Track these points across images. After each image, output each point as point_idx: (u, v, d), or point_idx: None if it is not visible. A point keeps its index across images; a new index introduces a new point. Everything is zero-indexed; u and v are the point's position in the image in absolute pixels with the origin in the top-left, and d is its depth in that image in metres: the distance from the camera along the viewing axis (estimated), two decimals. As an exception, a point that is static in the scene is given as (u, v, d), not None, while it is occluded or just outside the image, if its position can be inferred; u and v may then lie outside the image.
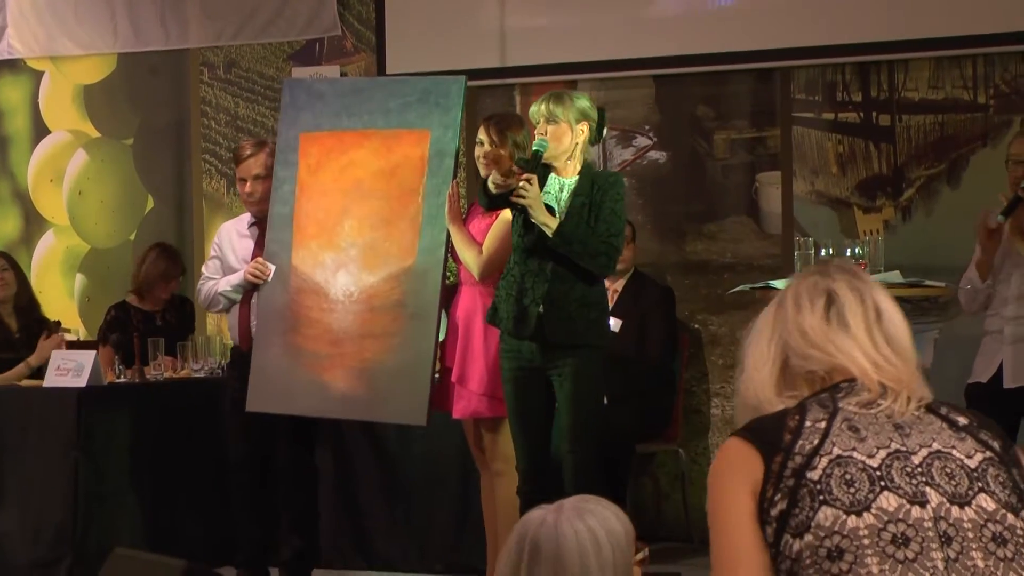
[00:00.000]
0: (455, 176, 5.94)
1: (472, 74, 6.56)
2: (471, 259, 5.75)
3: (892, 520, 2.15)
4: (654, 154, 7.71)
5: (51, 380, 6.52)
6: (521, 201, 5.35)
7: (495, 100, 7.86)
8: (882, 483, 2.18)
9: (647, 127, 7.71)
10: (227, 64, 8.56)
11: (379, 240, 6.01)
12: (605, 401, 5.76)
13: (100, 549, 5.81)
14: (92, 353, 6.63)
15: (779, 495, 2.18)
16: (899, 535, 2.15)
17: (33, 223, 8.99)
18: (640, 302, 7.09)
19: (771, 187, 7.47)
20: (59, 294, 8.83)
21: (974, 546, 2.15)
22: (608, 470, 6.20)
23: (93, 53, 8.78)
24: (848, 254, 5.72)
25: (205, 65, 8.61)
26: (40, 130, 8.98)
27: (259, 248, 6.29)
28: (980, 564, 2.14)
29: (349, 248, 6.07)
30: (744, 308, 7.41)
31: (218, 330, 8.03)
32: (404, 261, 5.94)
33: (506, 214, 5.69)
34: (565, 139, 5.47)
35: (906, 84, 7.24)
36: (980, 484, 2.20)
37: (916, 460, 2.21)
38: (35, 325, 7.30)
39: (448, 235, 5.82)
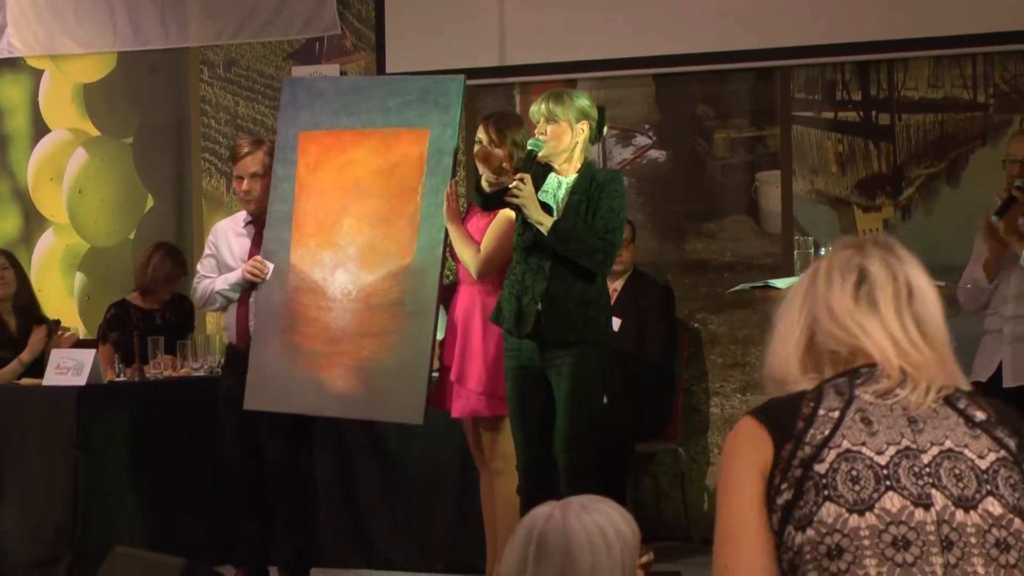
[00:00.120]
0: (454, 175, 5.94)
1: (472, 73, 6.56)
2: (469, 258, 5.76)
3: (894, 522, 2.13)
4: (654, 153, 7.71)
5: (51, 379, 6.52)
6: (515, 200, 5.36)
7: (495, 99, 7.86)
8: (888, 482, 2.15)
9: (647, 126, 7.71)
10: (227, 63, 8.56)
11: (377, 239, 6.01)
12: (605, 400, 5.77)
13: (100, 548, 5.80)
14: (92, 352, 6.64)
15: (785, 484, 2.16)
16: (900, 538, 2.12)
17: (33, 221, 8.99)
18: (640, 301, 7.08)
19: (771, 186, 7.47)
20: (59, 293, 8.83)
21: (975, 552, 2.12)
22: (607, 469, 6.20)
23: (93, 52, 8.78)
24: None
25: (205, 64, 8.60)
26: (40, 129, 8.98)
27: (256, 246, 6.29)
28: (980, 570, 2.12)
29: (347, 247, 6.07)
30: (744, 307, 7.41)
31: (217, 329, 8.03)
32: (402, 260, 5.94)
33: (505, 213, 5.69)
34: (565, 138, 5.47)
35: (906, 83, 7.23)
36: (989, 487, 2.16)
37: (925, 459, 2.17)
38: (34, 325, 7.30)
39: (446, 234, 5.82)
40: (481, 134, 5.84)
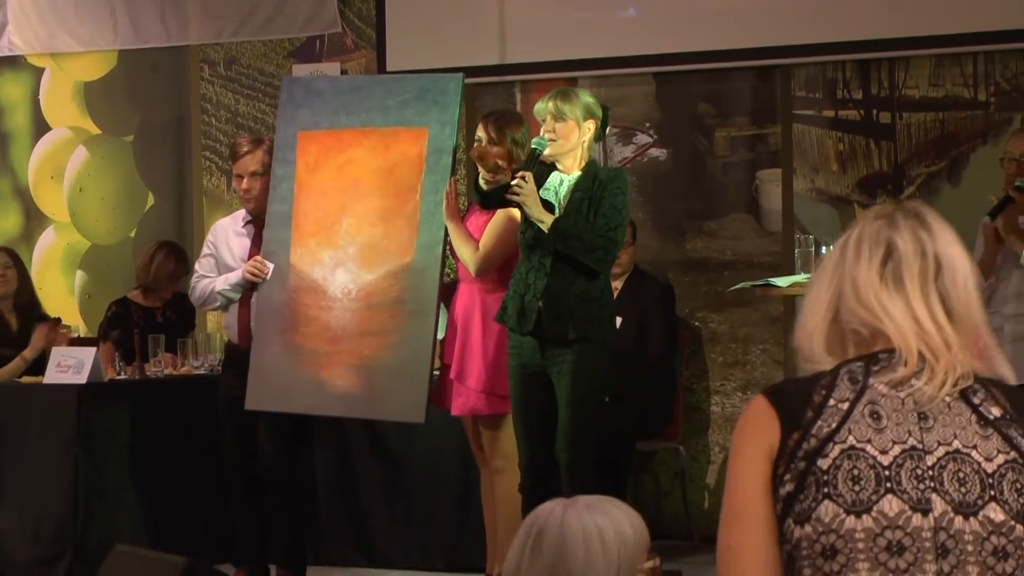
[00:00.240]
0: (454, 173, 5.94)
1: (472, 71, 6.56)
2: (468, 256, 5.76)
3: (890, 526, 2.09)
4: (654, 151, 7.71)
5: (51, 377, 6.52)
6: (515, 198, 5.37)
7: (495, 97, 7.86)
8: (888, 484, 2.11)
9: (647, 124, 7.71)
10: (227, 61, 8.55)
11: (377, 238, 6.01)
12: (606, 399, 5.77)
13: (100, 546, 5.81)
14: (92, 350, 6.64)
15: (789, 475, 2.13)
16: (895, 543, 2.09)
17: (33, 220, 8.99)
18: (640, 300, 7.08)
19: (771, 184, 7.47)
20: (59, 291, 8.83)
21: (971, 560, 2.08)
22: (608, 468, 6.21)
23: (93, 50, 8.78)
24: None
25: (205, 62, 8.60)
26: (41, 127, 8.98)
27: (256, 246, 6.28)
28: None
29: (347, 246, 6.07)
30: (744, 305, 7.41)
31: (218, 327, 8.03)
32: (402, 258, 5.94)
33: (503, 211, 5.70)
34: (572, 136, 5.49)
35: (907, 82, 7.23)
36: (993, 492, 2.11)
37: (930, 461, 2.12)
38: (37, 323, 7.30)
39: (446, 232, 5.82)
40: (481, 132, 5.84)
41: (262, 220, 6.27)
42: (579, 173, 5.51)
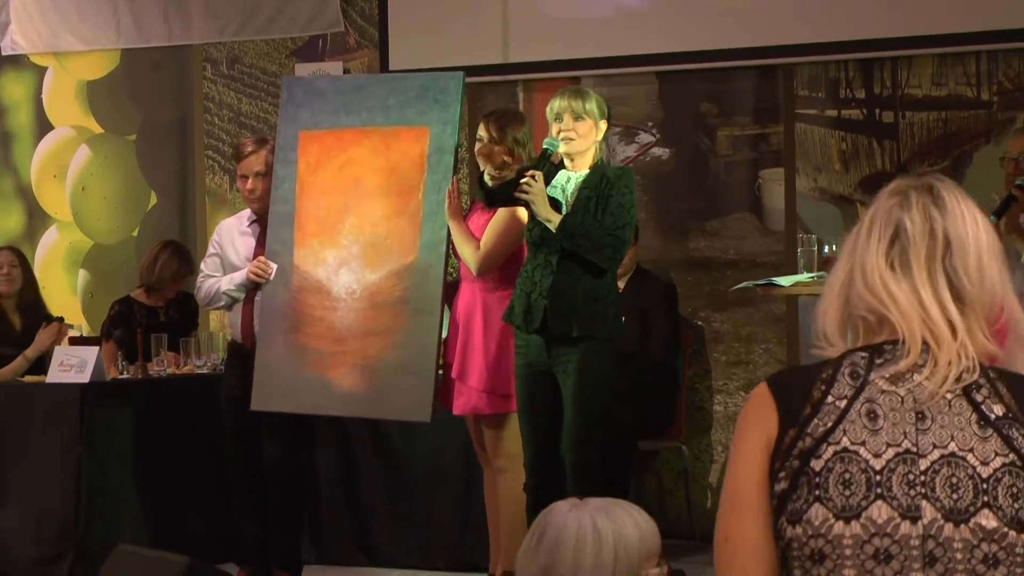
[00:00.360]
0: (456, 172, 5.94)
1: (475, 70, 6.56)
2: (469, 255, 5.76)
3: (879, 533, 2.06)
4: (657, 151, 7.71)
5: (54, 376, 6.52)
6: (524, 197, 5.37)
7: (498, 96, 7.86)
8: (878, 490, 2.07)
9: (650, 123, 7.71)
10: (230, 60, 8.56)
11: (380, 237, 6.02)
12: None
13: (103, 545, 5.81)
14: (95, 349, 6.64)
15: (783, 473, 2.10)
16: (882, 550, 2.05)
17: (36, 219, 8.99)
18: (642, 299, 7.08)
19: (774, 184, 7.46)
20: (62, 290, 8.84)
21: (960, 568, 2.04)
22: (611, 467, 6.20)
23: (96, 49, 8.78)
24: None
25: (208, 61, 8.60)
26: (43, 126, 8.98)
27: (260, 246, 6.29)
28: None
29: (351, 245, 6.07)
30: (747, 305, 7.41)
31: (221, 326, 8.03)
32: (406, 258, 5.94)
33: (505, 209, 5.70)
34: (591, 135, 5.52)
35: (909, 81, 7.23)
36: (986, 498, 2.06)
37: (923, 465, 2.08)
38: (38, 323, 7.31)
39: (449, 231, 5.82)
40: (482, 131, 5.84)
41: (267, 220, 6.27)
42: (587, 171, 5.52)
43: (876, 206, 2.21)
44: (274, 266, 6.16)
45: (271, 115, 8.30)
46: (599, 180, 5.48)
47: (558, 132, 5.50)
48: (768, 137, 7.49)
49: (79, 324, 8.23)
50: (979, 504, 2.06)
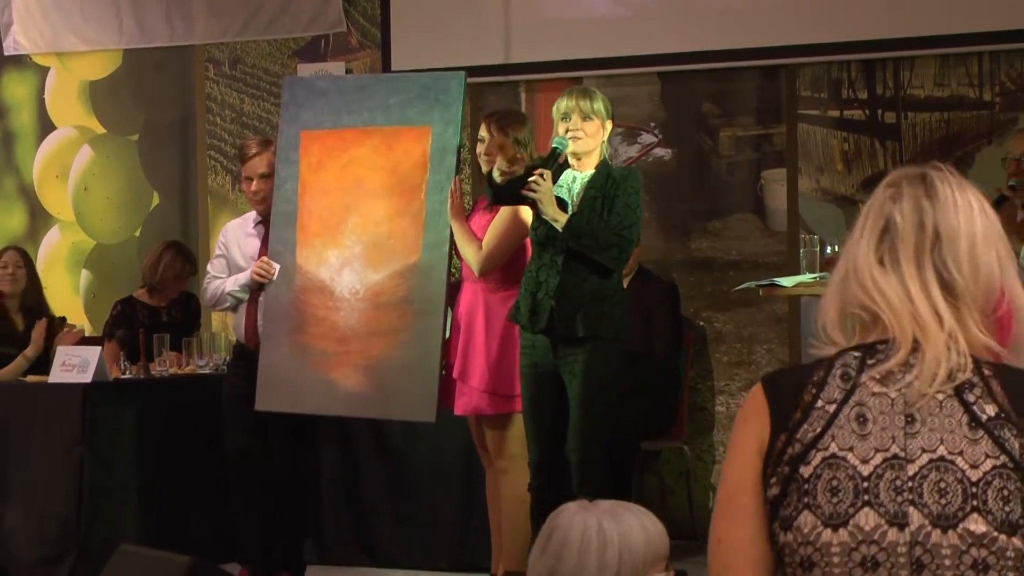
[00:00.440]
0: (459, 172, 5.94)
1: (477, 71, 6.56)
2: (471, 255, 5.75)
3: (866, 540, 2.03)
4: (659, 151, 7.71)
5: (56, 376, 6.52)
6: (531, 195, 5.36)
7: (500, 97, 7.86)
8: (865, 497, 2.04)
9: (652, 124, 7.71)
10: (232, 60, 8.56)
11: (383, 237, 6.02)
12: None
13: (105, 545, 5.81)
14: (97, 349, 6.64)
15: (775, 479, 2.08)
16: (869, 558, 2.03)
17: (39, 219, 9.00)
18: (645, 299, 7.08)
19: (776, 184, 7.46)
20: (64, 290, 8.84)
21: (948, 574, 2.02)
22: (613, 467, 6.20)
23: (98, 49, 8.78)
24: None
25: (210, 61, 8.61)
26: (46, 126, 8.99)
27: (266, 247, 6.29)
28: None
29: (353, 246, 6.07)
30: (749, 305, 7.41)
31: (223, 326, 8.04)
32: (409, 258, 5.94)
33: (507, 210, 5.70)
34: (599, 135, 5.53)
35: (911, 81, 7.23)
36: (975, 502, 2.02)
37: (911, 471, 2.04)
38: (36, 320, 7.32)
39: (452, 231, 5.82)
40: (484, 132, 5.84)
41: (272, 221, 6.28)
42: (592, 171, 5.52)
43: (871, 200, 2.18)
44: (277, 266, 6.16)
45: (273, 115, 8.30)
46: (605, 180, 5.48)
47: (565, 131, 5.50)
48: (770, 138, 7.49)
49: (81, 324, 8.23)
50: (968, 509, 2.03)
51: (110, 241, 8.87)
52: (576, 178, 5.53)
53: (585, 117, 5.49)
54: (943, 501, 2.03)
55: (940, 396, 2.07)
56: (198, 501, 6.79)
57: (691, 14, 7.51)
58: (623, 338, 5.53)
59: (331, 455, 6.85)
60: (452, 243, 5.87)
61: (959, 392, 2.07)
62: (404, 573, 6.79)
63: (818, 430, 2.07)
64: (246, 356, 6.26)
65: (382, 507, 6.90)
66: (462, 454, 6.53)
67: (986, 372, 2.08)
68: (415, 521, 6.82)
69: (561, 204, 5.43)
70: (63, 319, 7.41)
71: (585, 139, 5.49)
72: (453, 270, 6.03)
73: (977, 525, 2.02)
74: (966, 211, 2.13)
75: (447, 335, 5.92)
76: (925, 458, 2.05)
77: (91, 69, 8.89)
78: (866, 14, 7.16)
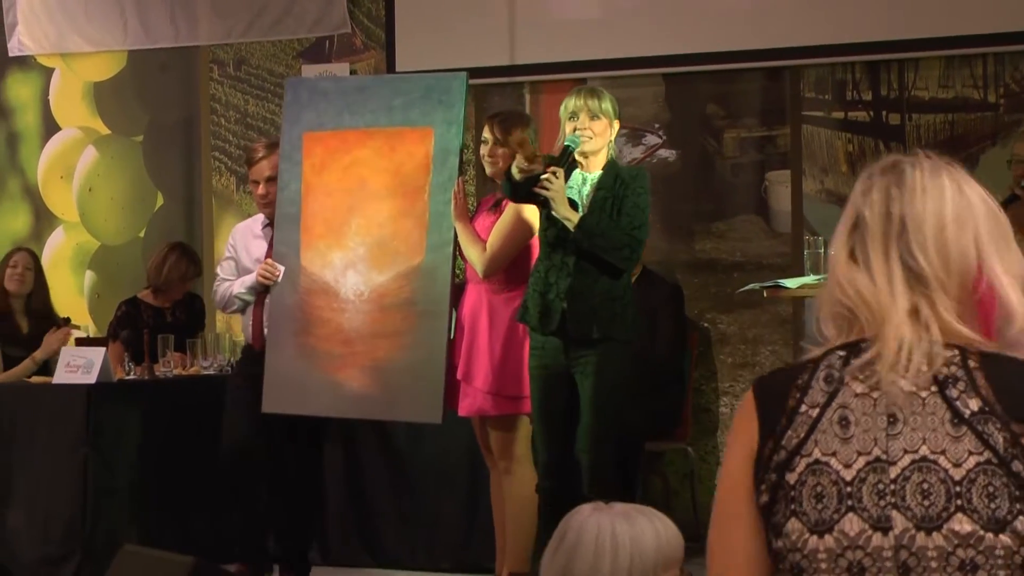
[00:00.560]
0: (462, 173, 5.93)
1: (482, 72, 6.56)
2: (475, 256, 5.75)
3: (851, 546, 2.01)
4: (664, 152, 7.71)
5: (61, 376, 6.53)
6: (544, 193, 5.34)
7: (504, 98, 7.86)
8: (849, 502, 2.02)
9: (657, 125, 7.71)
10: (237, 61, 8.56)
11: (387, 239, 6.02)
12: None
13: (109, 545, 5.81)
14: (102, 350, 6.65)
15: (764, 485, 2.06)
16: (855, 563, 2.01)
17: (43, 219, 9.00)
18: (649, 300, 7.07)
19: (781, 186, 7.46)
20: (69, 290, 8.85)
21: None
22: (618, 469, 6.20)
23: (103, 50, 8.79)
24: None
25: (215, 62, 8.61)
26: (50, 127, 8.99)
27: (272, 249, 6.30)
28: None
29: (357, 247, 6.07)
30: (753, 307, 7.40)
31: (227, 327, 8.04)
32: (413, 259, 5.94)
33: (511, 211, 5.69)
34: (606, 134, 5.53)
35: (916, 83, 7.23)
36: (960, 502, 1.99)
37: (893, 473, 2.01)
38: (47, 327, 7.32)
39: (456, 232, 5.82)
40: (487, 133, 5.84)
41: (276, 223, 6.29)
42: (600, 172, 5.52)
43: (854, 191, 2.15)
44: (282, 268, 6.17)
45: (278, 116, 8.30)
46: (613, 180, 5.48)
47: (573, 130, 5.49)
48: (775, 139, 7.49)
49: (86, 325, 8.23)
50: (952, 509, 1.99)
51: (114, 242, 8.88)
52: (586, 179, 5.52)
53: (593, 116, 5.48)
54: (926, 503, 2.00)
55: (923, 394, 2.03)
56: (202, 501, 6.79)
57: (695, 16, 7.51)
58: (635, 340, 5.53)
59: (335, 456, 6.85)
60: (456, 244, 5.86)
61: (942, 388, 2.03)
62: (408, 574, 6.79)
63: (801, 436, 2.05)
64: (252, 357, 6.26)
65: (386, 508, 6.90)
66: (466, 455, 6.53)
67: (971, 364, 2.04)
68: (419, 522, 6.82)
69: (572, 204, 5.42)
70: (67, 319, 7.42)
71: (593, 138, 5.49)
72: (457, 271, 6.03)
73: (962, 525, 1.99)
74: (935, 195, 2.08)
75: (452, 336, 5.92)
76: (907, 459, 2.02)
77: (95, 70, 8.90)
78: (870, 15, 7.16)
